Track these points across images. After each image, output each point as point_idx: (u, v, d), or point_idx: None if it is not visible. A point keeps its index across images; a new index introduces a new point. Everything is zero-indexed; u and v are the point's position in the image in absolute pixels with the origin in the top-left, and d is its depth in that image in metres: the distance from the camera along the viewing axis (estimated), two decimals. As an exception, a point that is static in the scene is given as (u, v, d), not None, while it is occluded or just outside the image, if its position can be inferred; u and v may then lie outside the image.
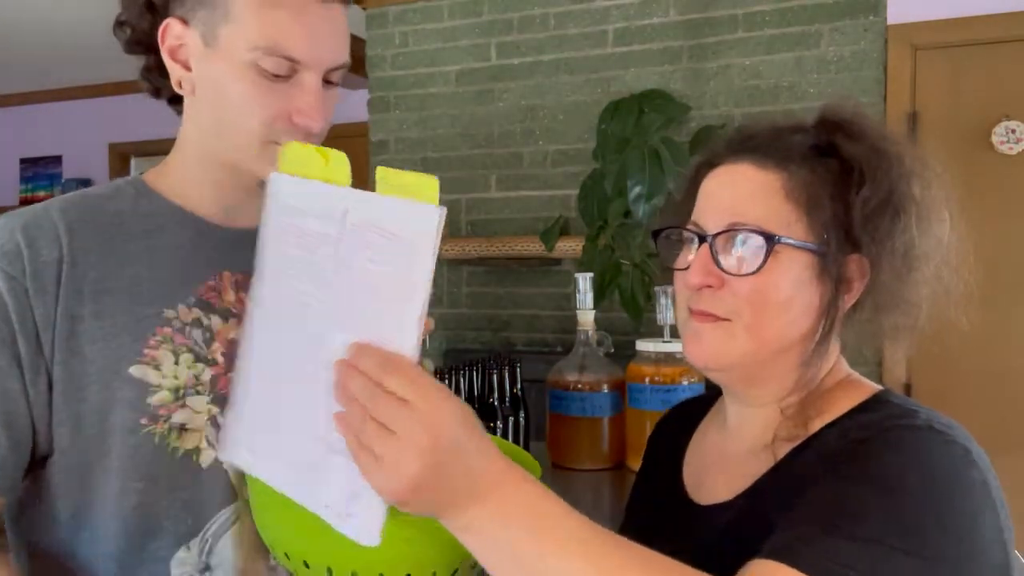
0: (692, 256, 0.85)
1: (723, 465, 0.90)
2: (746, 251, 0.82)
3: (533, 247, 3.28)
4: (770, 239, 0.81)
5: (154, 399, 0.89)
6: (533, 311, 3.53)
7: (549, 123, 3.47)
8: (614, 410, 1.84)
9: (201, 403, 0.91)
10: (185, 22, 0.89)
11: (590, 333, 1.87)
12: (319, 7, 0.88)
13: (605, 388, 1.83)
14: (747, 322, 0.82)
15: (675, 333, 1.85)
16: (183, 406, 0.90)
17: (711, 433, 0.97)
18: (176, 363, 0.91)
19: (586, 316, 1.86)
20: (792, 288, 0.82)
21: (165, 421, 0.89)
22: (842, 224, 0.81)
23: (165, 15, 0.90)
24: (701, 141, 2.96)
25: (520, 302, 3.57)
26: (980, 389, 3.00)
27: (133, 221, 0.93)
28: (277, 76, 0.87)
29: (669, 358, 1.79)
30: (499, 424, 1.74)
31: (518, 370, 1.80)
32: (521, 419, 1.77)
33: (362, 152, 3.70)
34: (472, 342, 3.61)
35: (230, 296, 0.96)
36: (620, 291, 2.92)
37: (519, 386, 1.80)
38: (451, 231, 3.63)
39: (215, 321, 0.94)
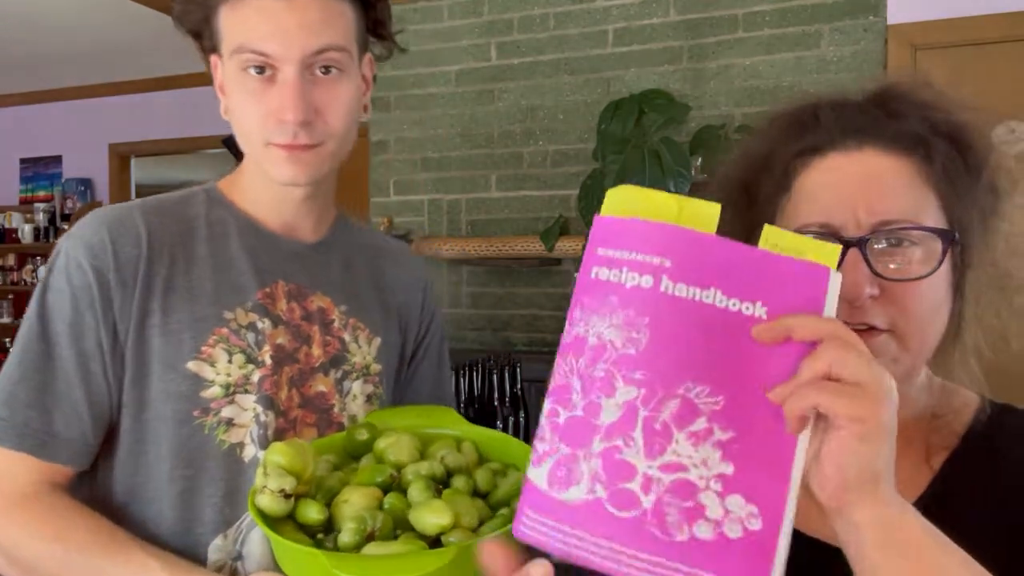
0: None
1: None
2: (916, 254, 0.71)
3: (533, 247, 3.28)
4: (948, 238, 0.71)
5: (207, 393, 0.97)
6: (533, 311, 3.53)
7: (549, 123, 3.47)
8: (614, 410, 1.84)
9: (248, 401, 0.98)
10: (220, 56, 1.00)
11: (590, 333, 1.87)
12: (281, 2, 0.93)
13: (605, 388, 1.83)
14: (903, 332, 0.71)
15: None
16: (232, 402, 0.98)
17: None
18: (229, 362, 0.98)
19: (586, 316, 1.86)
20: (944, 287, 0.73)
21: (215, 415, 0.97)
22: (968, 207, 0.73)
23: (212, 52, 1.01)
24: (701, 141, 2.95)
25: (520, 302, 3.57)
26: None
27: (204, 227, 1.02)
28: (260, 75, 0.94)
29: (669, 358, 1.79)
30: (499, 424, 1.74)
31: (518, 370, 1.80)
32: (521, 419, 1.77)
33: (362, 152, 3.69)
34: (472, 342, 3.61)
35: (282, 304, 1.03)
36: (620, 291, 2.92)
37: (519, 386, 1.80)
38: (451, 231, 3.63)
39: (267, 325, 1.01)
